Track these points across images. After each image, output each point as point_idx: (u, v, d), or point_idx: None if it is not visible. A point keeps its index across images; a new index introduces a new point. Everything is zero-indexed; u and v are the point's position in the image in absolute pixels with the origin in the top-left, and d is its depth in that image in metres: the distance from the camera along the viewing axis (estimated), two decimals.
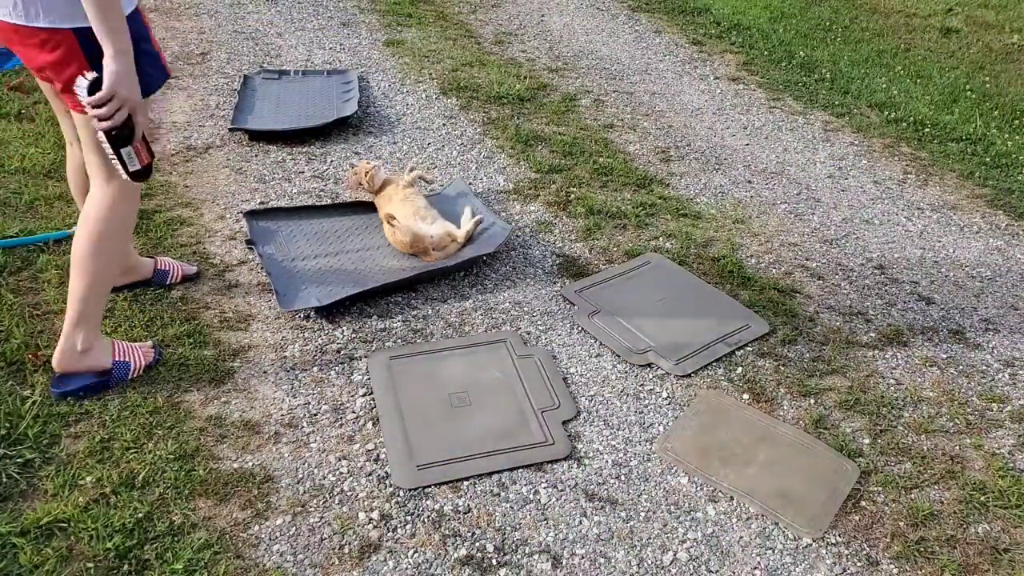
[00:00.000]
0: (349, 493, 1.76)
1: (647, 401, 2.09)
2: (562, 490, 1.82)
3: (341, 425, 1.93)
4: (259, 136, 3.24)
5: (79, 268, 1.82)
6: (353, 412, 1.98)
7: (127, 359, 1.97)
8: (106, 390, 1.93)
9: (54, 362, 1.87)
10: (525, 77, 4.08)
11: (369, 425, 1.94)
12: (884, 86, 4.41)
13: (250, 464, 1.80)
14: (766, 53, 4.81)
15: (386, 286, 2.37)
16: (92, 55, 1.64)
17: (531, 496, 1.79)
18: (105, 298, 1.91)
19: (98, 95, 1.61)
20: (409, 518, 1.72)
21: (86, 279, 1.82)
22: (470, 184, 2.98)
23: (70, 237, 2.45)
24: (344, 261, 2.51)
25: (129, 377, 1.97)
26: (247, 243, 2.49)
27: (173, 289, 2.31)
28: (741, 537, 1.74)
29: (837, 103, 4.19)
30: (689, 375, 2.18)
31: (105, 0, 1.58)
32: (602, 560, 1.66)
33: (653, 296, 2.48)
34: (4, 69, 1.93)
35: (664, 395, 2.11)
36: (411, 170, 2.81)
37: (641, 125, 3.73)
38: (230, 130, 3.25)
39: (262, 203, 2.80)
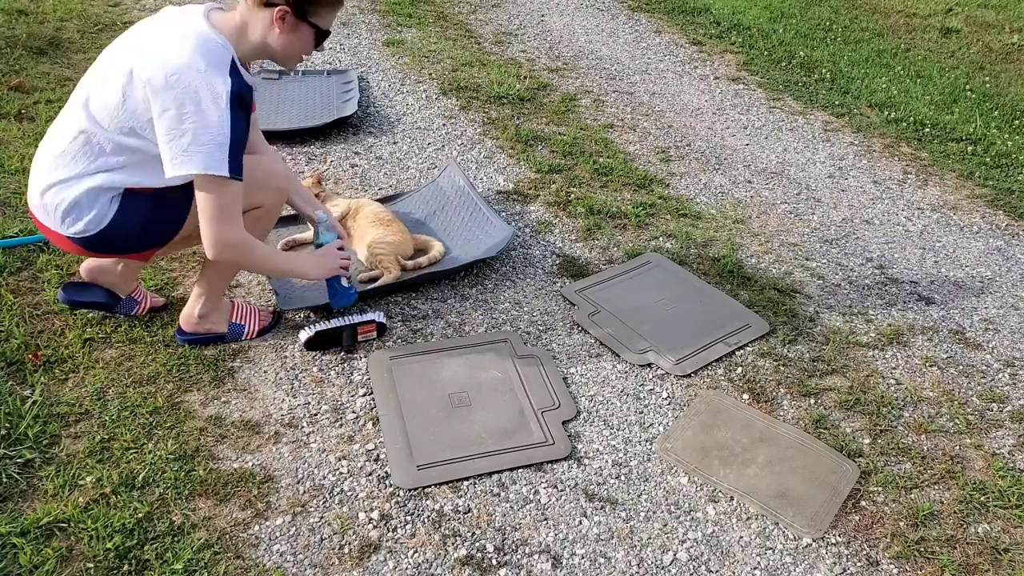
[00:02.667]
0: (349, 493, 1.76)
1: (647, 401, 2.09)
2: (562, 490, 1.82)
3: (341, 425, 1.94)
4: None
5: (208, 263, 1.99)
6: (353, 412, 1.98)
7: (242, 322, 2.16)
8: (224, 343, 2.14)
9: (179, 321, 2.10)
10: (525, 77, 4.08)
11: (369, 425, 1.94)
12: (884, 86, 4.41)
13: (250, 464, 1.80)
14: (766, 53, 4.81)
15: (386, 286, 2.37)
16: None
17: (531, 496, 1.79)
18: (231, 279, 2.13)
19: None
20: (409, 518, 1.72)
21: (213, 271, 2.02)
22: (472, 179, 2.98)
23: None
24: None
25: (243, 339, 2.15)
26: None
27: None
28: (741, 537, 1.74)
29: (837, 103, 4.19)
30: (689, 375, 2.18)
31: (268, 267, 2.06)
32: (602, 560, 1.66)
33: (653, 296, 2.48)
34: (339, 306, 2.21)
35: (664, 395, 2.11)
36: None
37: (641, 125, 3.73)
38: None
39: None
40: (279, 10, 1.74)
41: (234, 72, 1.72)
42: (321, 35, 1.85)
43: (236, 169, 1.73)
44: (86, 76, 1.81)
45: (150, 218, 1.85)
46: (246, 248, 1.84)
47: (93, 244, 1.84)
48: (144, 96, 1.68)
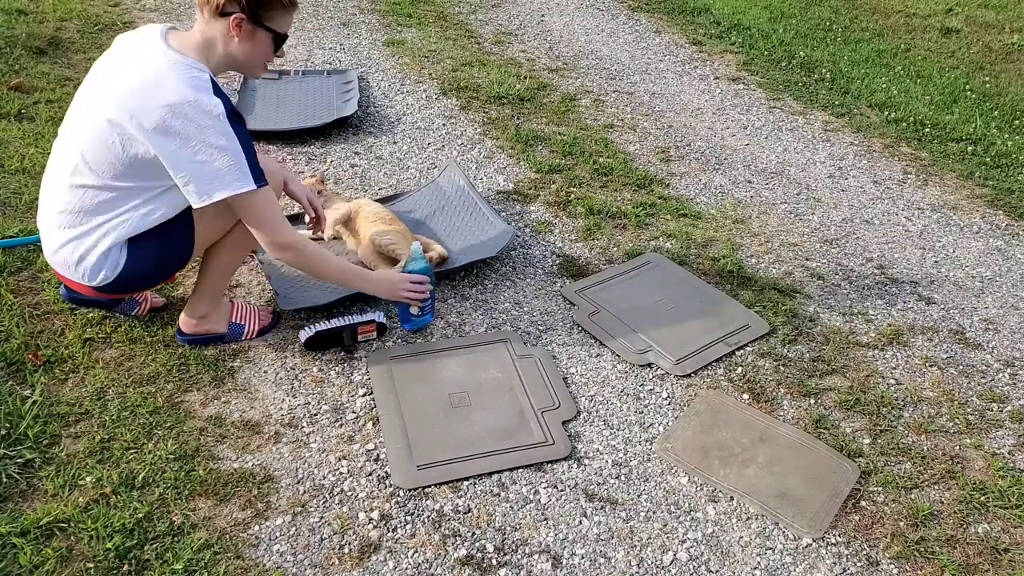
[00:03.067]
0: (349, 493, 1.76)
1: (647, 401, 2.09)
2: (562, 490, 1.82)
3: (341, 425, 1.94)
4: (259, 136, 3.24)
5: (211, 258, 2.02)
6: (353, 412, 1.98)
7: (242, 322, 2.15)
8: (224, 343, 2.13)
9: (179, 322, 2.09)
10: (525, 77, 4.08)
11: (369, 425, 1.94)
12: (884, 86, 4.41)
13: (250, 464, 1.80)
14: (766, 53, 4.81)
15: None
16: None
17: (531, 496, 1.79)
18: (230, 278, 2.14)
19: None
20: (409, 518, 1.72)
21: (213, 272, 2.04)
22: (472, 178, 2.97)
23: None
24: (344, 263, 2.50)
25: (243, 339, 2.14)
26: None
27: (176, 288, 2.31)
28: (741, 537, 1.74)
29: (837, 103, 4.19)
30: (689, 375, 2.18)
31: (327, 270, 2.04)
32: (602, 560, 1.66)
33: (653, 296, 2.48)
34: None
35: (664, 395, 2.11)
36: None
37: (641, 125, 3.73)
38: None
39: None
40: (235, 18, 1.75)
41: (217, 91, 1.75)
42: (279, 39, 1.86)
43: (259, 177, 1.78)
44: (70, 126, 1.83)
45: (161, 253, 1.90)
46: (303, 248, 1.94)
47: (114, 288, 1.90)
48: (144, 143, 1.71)
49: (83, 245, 1.82)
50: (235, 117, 1.76)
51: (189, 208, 1.83)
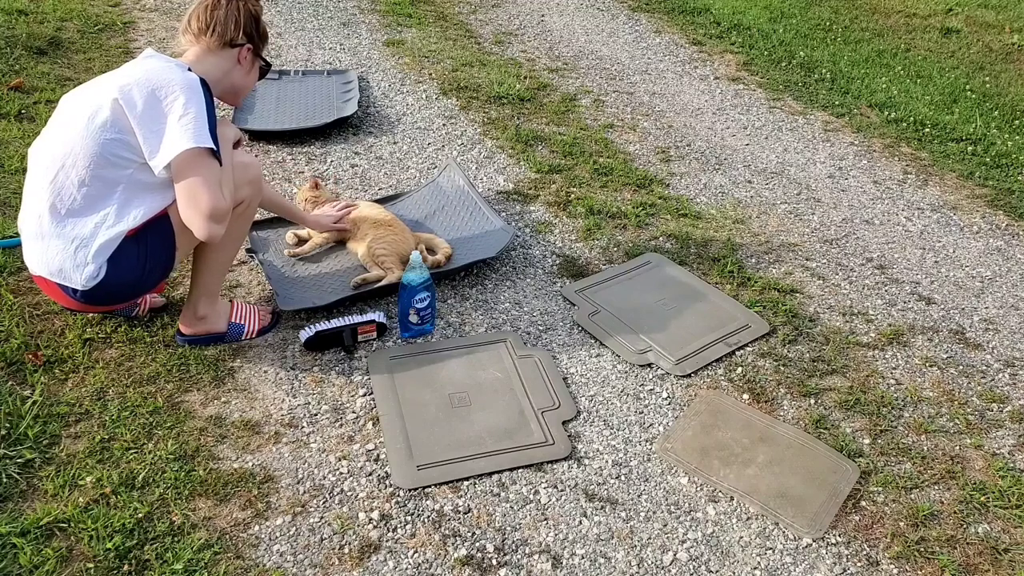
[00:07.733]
0: (349, 493, 1.76)
1: (647, 401, 2.09)
2: (562, 490, 1.82)
3: (341, 425, 1.94)
4: (259, 136, 3.24)
5: (201, 258, 2.02)
6: (353, 412, 1.98)
7: (242, 322, 2.15)
8: (224, 343, 2.13)
9: (179, 323, 2.10)
10: (525, 77, 4.08)
11: (369, 425, 1.94)
12: (884, 86, 4.41)
13: (250, 464, 1.80)
14: (766, 53, 4.81)
15: (385, 286, 2.36)
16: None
17: (531, 496, 1.79)
18: (223, 276, 2.12)
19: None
20: (409, 518, 1.72)
21: (205, 271, 2.03)
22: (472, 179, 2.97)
23: None
24: (344, 262, 2.51)
25: (243, 339, 2.14)
26: (247, 251, 2.49)
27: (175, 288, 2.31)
28: (741, 537, 1.74)
29: (837, 103, 4.19)
30: (689, 375, 2.18)
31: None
32: (602, 560, 1.66)
33: (653, 296, 2.48)
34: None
35: (664, 395, 2.11)
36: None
37: (641, 125, 3.73)
38: None
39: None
40: (245, 49, 1.94)
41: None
42: (265, 70, 2.06)
43: (217, 145, 1.81)
44: (47, 138, 1.87)
45: (142, 259, 1.88)
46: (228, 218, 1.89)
47: (97, 298, 1.89)
48: (114, 108, 1.75)
49: (61, 249, 1.82)
50: (207, 89, 1.83)
51: (167, 215, 1.86)
